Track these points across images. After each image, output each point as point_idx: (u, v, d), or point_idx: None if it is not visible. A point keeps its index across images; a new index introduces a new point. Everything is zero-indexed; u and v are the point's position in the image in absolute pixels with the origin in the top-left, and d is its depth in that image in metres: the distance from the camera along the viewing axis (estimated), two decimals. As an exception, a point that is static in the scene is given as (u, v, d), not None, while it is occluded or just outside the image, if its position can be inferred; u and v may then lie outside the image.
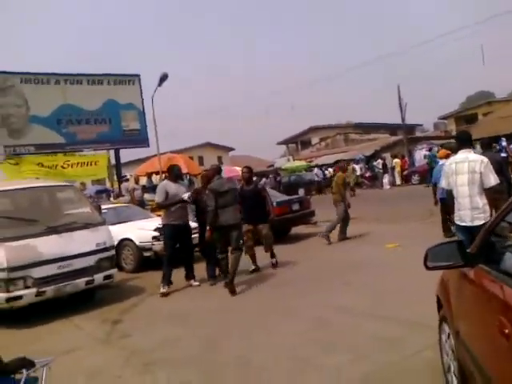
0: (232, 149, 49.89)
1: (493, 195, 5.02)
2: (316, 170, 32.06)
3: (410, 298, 5.38)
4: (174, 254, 7.36)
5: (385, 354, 4.06)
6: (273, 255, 8.28)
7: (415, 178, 25.28)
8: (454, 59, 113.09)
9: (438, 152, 17.26)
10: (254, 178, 8.83)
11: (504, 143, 22.60)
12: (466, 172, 5.03)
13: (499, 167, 6.57)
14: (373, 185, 27.45)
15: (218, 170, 7.41)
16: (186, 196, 7.31)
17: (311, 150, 47.17)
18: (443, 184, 5.38)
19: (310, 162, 37.86)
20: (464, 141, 5.32)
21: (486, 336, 2.21)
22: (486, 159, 5.05)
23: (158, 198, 7.49)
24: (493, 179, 4.94)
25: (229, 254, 7.10)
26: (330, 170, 31.41)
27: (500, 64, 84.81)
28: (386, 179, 26.65)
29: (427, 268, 2.62)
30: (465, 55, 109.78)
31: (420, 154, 27.72)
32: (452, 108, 45.73)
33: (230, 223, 6.90)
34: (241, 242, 7.31)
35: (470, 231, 4.94)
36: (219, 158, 45.36)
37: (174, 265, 7.31)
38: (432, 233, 8.82)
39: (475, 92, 59.85)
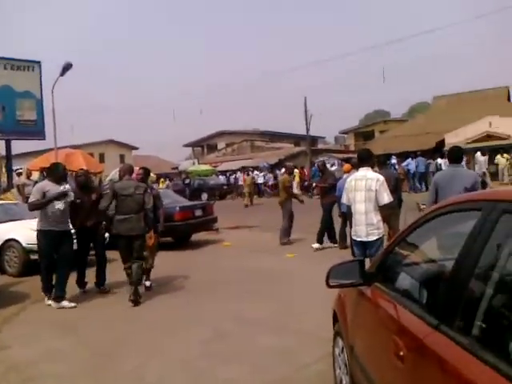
0: (136, 148, 48.45)
1: (385, 211, 5.30)
2: (238, 173, 31.78)
3: (307, 308, 5.50)
4: (51, 262, 6.49)
5: (281, 366, 4.08)
6: (148, 276, 7.08)
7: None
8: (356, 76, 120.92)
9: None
10: (161, 179, 8.40)
11: (394, 161, 24.37)
12: (363, 189, 5.22)
13: (395, 184, 7.00)
14: (275, 193, 28.00)
15: (129, 170, 6.69)
16: (66, 187, 6.34)
17: (217, 155, 47.32)
18: (344, 199, 5.52)
19: (215, 166, 37.92)
20: (364, 158, 5.51)
21: (381, 356, 2.26)
22: (381, 178, 5.29)
23: (32, 198, 6.37)
24: (386, 197, 5.17)
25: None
26: (236, 175, 31.63)
27: (397, 85, 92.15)
28: (287, 189, 27.31)
29: (328, 286, 2.65)
30: (366, 73, 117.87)
31: (321, 166, 28.78)
32: (352, 123, 48.79)
33: (132, 233, 6.24)
34: (144, 252, 6.57)
35: (365, 246, 5.20)
36: (122, 157, 43.83)
37: (52, 272, 6.54)
38: (325, 244, 9.60)
39: (373, 110, 64.39)
